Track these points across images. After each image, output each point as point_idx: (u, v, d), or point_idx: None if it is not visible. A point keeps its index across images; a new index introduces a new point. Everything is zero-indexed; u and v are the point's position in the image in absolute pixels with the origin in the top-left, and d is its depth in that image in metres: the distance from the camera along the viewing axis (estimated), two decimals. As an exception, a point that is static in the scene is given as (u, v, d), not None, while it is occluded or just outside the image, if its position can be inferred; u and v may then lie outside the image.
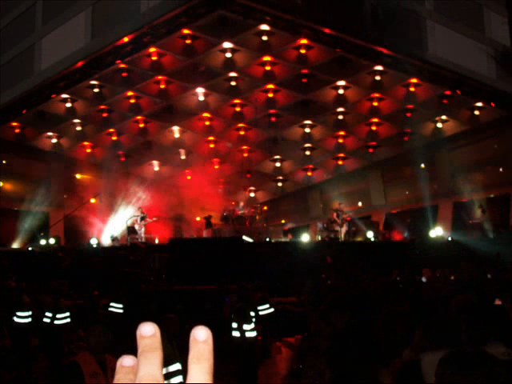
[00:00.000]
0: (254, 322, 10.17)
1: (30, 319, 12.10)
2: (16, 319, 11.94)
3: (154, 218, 24.93)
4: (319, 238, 23.47)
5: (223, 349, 10.37)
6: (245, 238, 21.29)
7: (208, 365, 0.87)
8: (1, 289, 15.71)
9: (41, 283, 15.58)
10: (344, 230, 23.49)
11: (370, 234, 23.03)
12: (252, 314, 10.57)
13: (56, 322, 12.37)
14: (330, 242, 22.34)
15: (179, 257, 19.15)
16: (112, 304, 14.08)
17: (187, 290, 16.44)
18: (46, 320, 12.69)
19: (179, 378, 4.73)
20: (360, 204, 28.02)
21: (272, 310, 13.13)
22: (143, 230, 23.97)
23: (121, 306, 14.44)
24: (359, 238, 23.77)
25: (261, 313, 12.32)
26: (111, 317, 12.65)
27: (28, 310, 12.04)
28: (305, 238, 22.92)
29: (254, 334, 9.85)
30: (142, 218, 23.92)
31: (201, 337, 0.88)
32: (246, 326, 9.75)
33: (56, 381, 4.51)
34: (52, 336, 12.62)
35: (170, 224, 28.13)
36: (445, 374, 2.38)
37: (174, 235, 26.72)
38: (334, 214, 23.63)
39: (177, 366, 4.83)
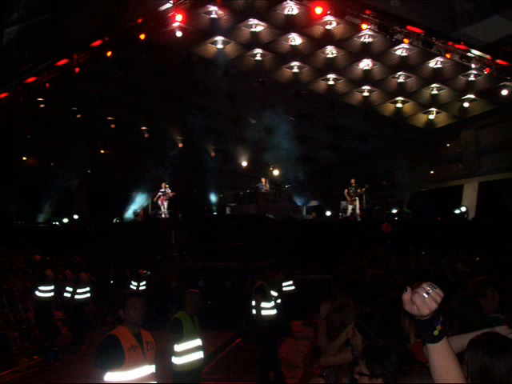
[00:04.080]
0: (275, 301, 10.13)
1: (52, 293, 12.19)
2: (38, 293, 12.03)
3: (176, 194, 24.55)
4: (342, 216, 23.08)
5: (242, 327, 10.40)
6: (268, 215, 21.15)
7: None
8: (26, 263, 15.93)
9: (65, 258, 15.75)
10: (357, 205, 22.74)
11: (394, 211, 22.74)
12: (274, 293, 10.52)
13: (77, 296, 12.49)
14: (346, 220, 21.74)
15: (202, 233, 19.11)
16: (132, 282, 14.24)
17: (210, 266, 16.42)
18: (66, 295, 12.84)
19: (200, 354, 4.76)
20: (384, 183, 27.78)
21: (293, 287, 13.11)
22: (166, 204, 23.82)
23: (143, 283, 14.59)
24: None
25: (284, 289, 12.30)
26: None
27: (51, 284, 12.11)
28: (328, 216, 22.70)
29: (274, 312, 9.82)
30: (165, 194, 23.79)
31: None
32: (265, 304, 9.73)
33: (96, 354, 4.58)
34: (73, 310, 12.78)
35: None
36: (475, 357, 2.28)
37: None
38: (346, 191, 22.82)
39: (197, 342, 4.84)
